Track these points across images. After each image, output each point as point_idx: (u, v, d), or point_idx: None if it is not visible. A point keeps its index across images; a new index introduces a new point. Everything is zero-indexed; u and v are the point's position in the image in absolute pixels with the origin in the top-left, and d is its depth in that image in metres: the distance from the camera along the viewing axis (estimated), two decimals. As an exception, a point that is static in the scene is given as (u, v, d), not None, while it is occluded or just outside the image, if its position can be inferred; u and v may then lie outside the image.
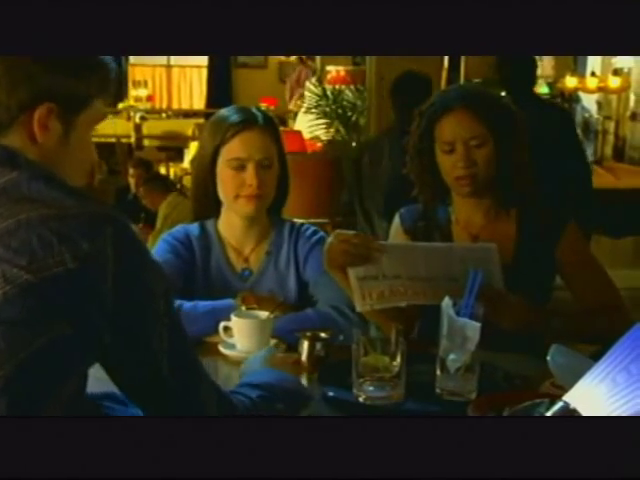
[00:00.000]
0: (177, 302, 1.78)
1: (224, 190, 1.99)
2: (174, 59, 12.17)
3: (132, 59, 11.69)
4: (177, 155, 8.29)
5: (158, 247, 2.03)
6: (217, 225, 2.07)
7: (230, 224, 2.05)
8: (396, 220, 2.07)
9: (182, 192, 5.65)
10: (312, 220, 2.43)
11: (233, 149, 1.95)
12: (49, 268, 0.99)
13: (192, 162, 2.15)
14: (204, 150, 2.01)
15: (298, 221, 2.14)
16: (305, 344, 1.73)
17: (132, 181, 6.05)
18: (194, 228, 2.06)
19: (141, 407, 1.19)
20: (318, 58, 7.95)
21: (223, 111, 2.04)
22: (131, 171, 6.14)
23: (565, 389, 1.12)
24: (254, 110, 2.02)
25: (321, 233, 2.09)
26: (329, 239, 1.78)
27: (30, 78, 1.09)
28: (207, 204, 2.04)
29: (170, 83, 12.72)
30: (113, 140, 8.83)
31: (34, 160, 1.11)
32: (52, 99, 1.11)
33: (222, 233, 2.06)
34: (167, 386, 1.13)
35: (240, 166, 1.95)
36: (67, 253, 1.00)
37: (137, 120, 9.29)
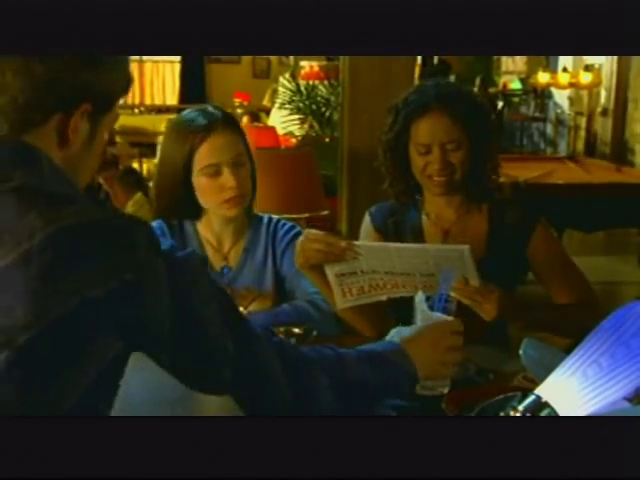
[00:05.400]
0: None
1: (205, 198, 1.97)
2: (147, 54, 12.06)
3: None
4: (150, 151, 8.23)
5: None
6: (195, 225, 2.06)
7: (210, 224, 2.04)
8: (366, 219, 2.07)
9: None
10: (287, 215, 2.43)
11: (204, 157, 1.92)
12: (101, 283, 0.92)
13: (158, 169, 2.08)
14: (173, 159, 1.95)
15: (275, 217, 2.14)
16: (279, 340, 1.73)
17: (102, 181, 5.91)
18: (172, 225, 2.04)
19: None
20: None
21: (183, 116, 2.01)
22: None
23: (537, 382, 1.14)
24: (212, 110, 1.98)
25: (298, 228, 2.09)
26: (300, 238, 1.77)
27: (74, 74, 0.99)
28: (178, 209, 2.01)
29: (143, 78, 12.63)
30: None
31: (57, 164, 1.02)
32: (89, 98, 1.02)
33: (201, 232, 2.05)
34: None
35: (215, 172, 1.92)
36: (122, 266, 0.94)
37: (109, 116, 9.19)
